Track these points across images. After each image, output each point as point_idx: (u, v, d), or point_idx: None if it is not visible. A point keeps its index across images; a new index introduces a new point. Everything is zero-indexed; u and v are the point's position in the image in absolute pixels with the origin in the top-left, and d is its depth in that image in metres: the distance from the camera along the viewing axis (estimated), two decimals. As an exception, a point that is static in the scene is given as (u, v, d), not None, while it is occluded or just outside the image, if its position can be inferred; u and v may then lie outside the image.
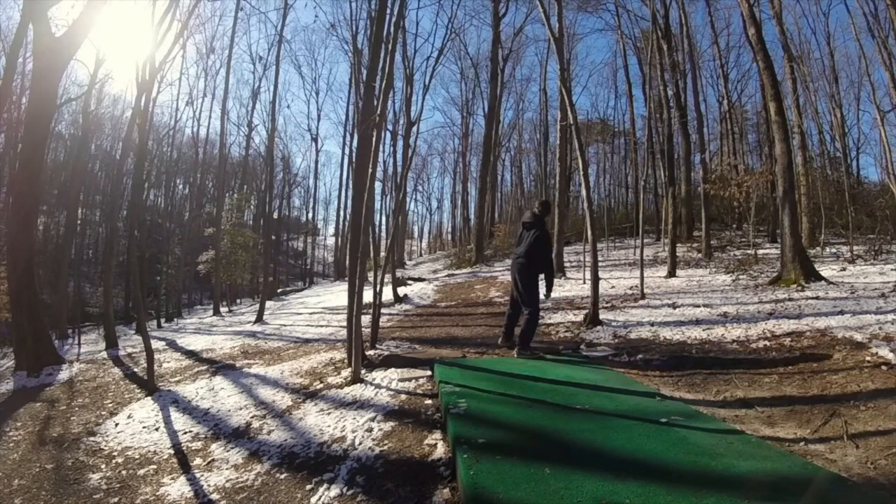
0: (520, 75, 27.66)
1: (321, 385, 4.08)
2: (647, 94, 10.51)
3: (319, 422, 3.19)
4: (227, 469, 2.78)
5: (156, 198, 31.27)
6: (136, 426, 3.87)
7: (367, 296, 5.46)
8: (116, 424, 4.00)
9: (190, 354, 6.86)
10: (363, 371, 4.06)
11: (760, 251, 11.23)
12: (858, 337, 3.87)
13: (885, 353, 3.40)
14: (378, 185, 22.66)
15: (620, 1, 18.30)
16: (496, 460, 1.99)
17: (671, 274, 9.33)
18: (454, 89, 45.85)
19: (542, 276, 4.43)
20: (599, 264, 6.33)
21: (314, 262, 35.36)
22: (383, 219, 24.82)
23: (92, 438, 3.74)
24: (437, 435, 2.63)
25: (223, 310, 15.54)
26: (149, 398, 4.64)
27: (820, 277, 6.85)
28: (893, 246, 10.16)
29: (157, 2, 6.54)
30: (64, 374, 6.47)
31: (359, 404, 3.36)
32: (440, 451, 2.42)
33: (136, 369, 6.31)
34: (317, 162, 42.74)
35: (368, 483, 2.24)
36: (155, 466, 3.02)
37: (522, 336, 4.31)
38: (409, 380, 3.76)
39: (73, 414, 4.56)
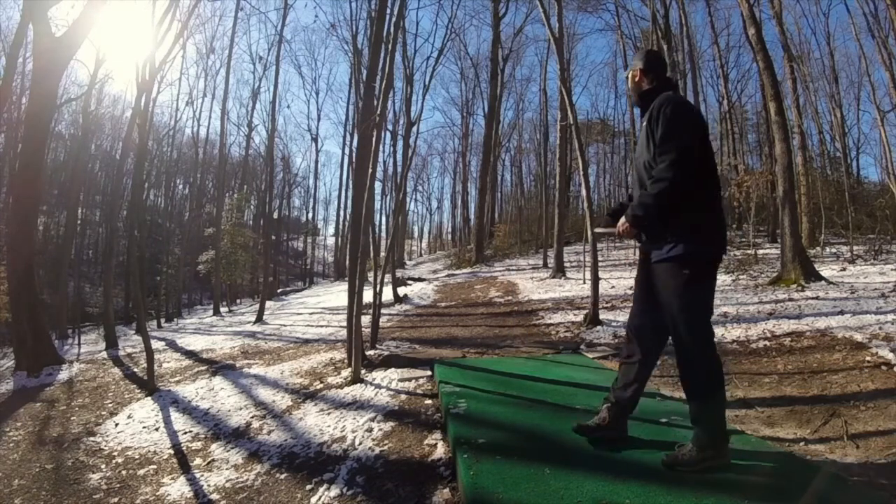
0: (520, 75, 27.65)
1: (321, 385, 4.08)
2: (647, 94, 10.52)
3: (319, 422, 3.19)
4: (227, 469, 2.78)
5: (156, 198, 31.28)
6: (136, 426, 3.87)
7: (367, 296, 5.45)
8: (116, 424, 4.00)
9: (190, 354, 6.86)
10: (363, 371, 4.06)
11: (760, 251, 11.22)
12: (858, 337, 3.87)
13: (885, 353, 3.40)
14: (378, 185, 22.69)
15: (620, 1, 18.31)
16: (496, 460, 1.99)
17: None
18: (454, 89, 45.80)
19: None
20: (599, 264, 6.34)
21: (314, 262, 35.33)
22: (383, 219, 24.86)
23: (92, 438, 3.74)
24: (437, 435, 2.63)
25: (223, 310, 15.54)
26: (149, 398, 4.64)
27: (820, 277, 6.85)
28: (893, 246, 10.15)
29: (157, 2, 6.54)
30: (64, 374, 6.47)
31: (359, 404, 3.36)
32: (440, 451, 2.42)
33: (135, 369, 6.31)
34: (317, 162, 42.69)
35: (368, 483, 2.24)
36: (155, 466, 3.02)
37: (703, 414, 1.83)
38: (409, 380, 3.76)
39: (73, 414, 4.56)
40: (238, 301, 20.80)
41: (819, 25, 21.78)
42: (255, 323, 9.90)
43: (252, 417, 3.58)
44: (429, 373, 3.86)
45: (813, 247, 10.89)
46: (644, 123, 1.91)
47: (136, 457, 3.23)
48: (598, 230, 2.32)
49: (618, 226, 1.93)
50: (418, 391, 3.50)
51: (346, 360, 4.67)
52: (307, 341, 6.63)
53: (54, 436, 3.96)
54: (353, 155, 16.14)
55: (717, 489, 1.71)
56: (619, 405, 2.05)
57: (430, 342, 5.53)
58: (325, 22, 38.26)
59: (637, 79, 2.03)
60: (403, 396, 3.39)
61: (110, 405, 4.68)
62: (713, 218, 1.82)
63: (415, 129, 9.56)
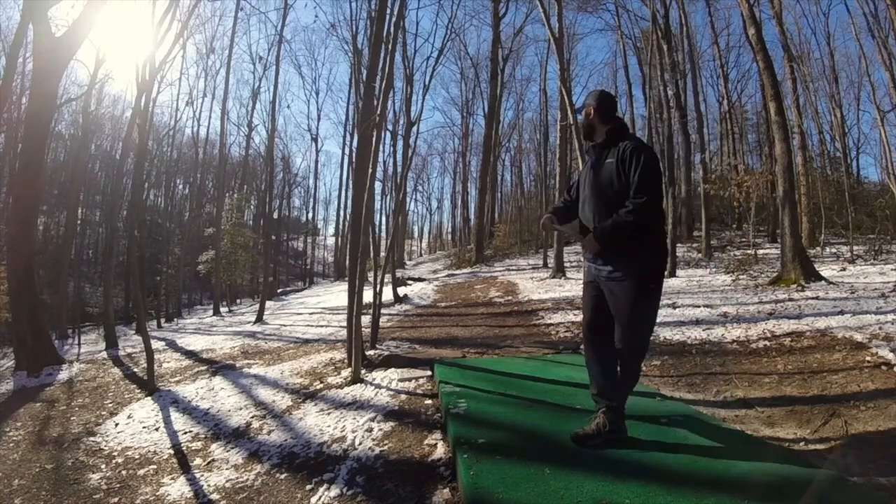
0: (520, 75, 27.64)
1: (321, 385, 4.08)
2: (647, 94, 10.53)
3: (319, 422, 3.19)
4: (227, 469, 2.78)
5: (156, 198, 31.29)
6: (136, 426, 3.87)
7: (367, 296, 5.45)
8: (116, 424, 4.00)
9: (190, 354, 6.86)
10: (363, 371, 4.06)
11: (760, 251, 11.23)
12: (858, 337, 3.87)
13: (885, 353, 3.40)
14: (378, 185, 22.70)
15: (620, 1, 18.28)
16: (496, 460, 1.99)
17: (671, 274, 9.33)
18: (454, 89, 45.87)
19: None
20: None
21: (314, 262, 35.33)
22: (383, 219, 24.87)
23: (92, 438, 3.74)
24: (437, 435, 2.63)
25: (223, 310, 15.54)
26: (149, 398, 4.64)
27: (820, 277, 6.85)
28: (893, 246, 10.16)
29: (157, 2, 6.54)
30: (64, 374, 6.47)
31: (359, 404, 3.36)
32: (440, 451, 2.42)
33: (135, 369, 6.31)
34: (317, 162, 42.66)
35: (368, 483, 2.24)
36: (155, 466, 3.02)
37: (620, 391, 2.23)
38: (409, 380, 3.76)
39: (73, 414, 4.56)
40: (238, 301, 20.80)
41: (819, 25, 21.80)
42: (255, 323, 9.90)
43: (252, 417, 3.58)
44: (429, 373, 3.86)
45: (813, 247, 10.90)
46: (611, 160, 2.15)
47: (136, 457, 3.23)
48: (556, 227, 2.43)
49: (586, 237, 2.21)
50: (418, 391, 3.50)
51: (346, 360, 4.66)
52: (307, 341, 6.63)
53: (54, 436, 3.96)
54: (353, 155, 16.14)
55: (717, 489, 1.71)
56: (612, 410, 2.17)
57: (430, 342, 5.53)
58: (325, 22, 38.26)
59: (591, 116, 2.28)
60: (403, 396, 3.39)
61: (110, 405, 4.68)
62: (664, 241, 2.25)
63: (415, 129, 9.53)
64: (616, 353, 2.19)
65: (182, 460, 3.05)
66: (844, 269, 8.05)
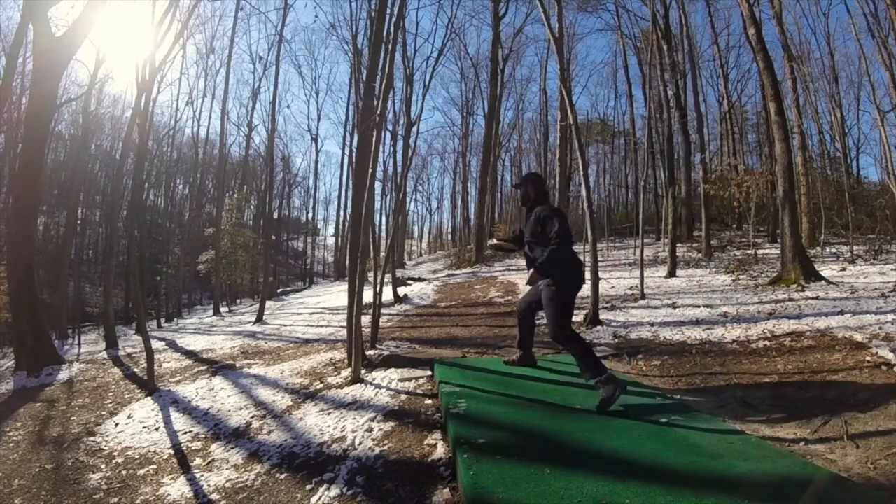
0: (520, 75, 27.69)
1: (321, 385, 4.08)
2: (647, 94, 10.53)
3: (319, 422, 3.19)
4: (227, 469, 2.78)
5: (156, 198, 31.29)
6: (136, 426, 3.87)
7: (367, 296, 5.45)
8: (116, 424, 4.00)
9: (190, 354, 6.86)
10: (363, 371, 4.06)
11: (760, 251, 11.23)
12: (858, 337, 3.87)
13: (885, 353, 3.40)
14: (378, 185, 22.70)
15: (620, 1, 18.28)
16: (496, 460, 2.00)
17: (671, 274, 9.33)
18: (454, 89, 45.92)
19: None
20: (599, 264, 6.34)
21: (314, 262, 35.33)
22: (383, 219, 24.86)
23: (92, 438, 3.74)
24: (437, 435, 2.63)
25: (223, 310, 15.53)
26: (149, 398, 4.64)
27: (820, 277, 6.85)
28: (893, 246, 10.16)
29: (157, 2, 6.54)
30: (64, 374, 6.47)
31: (359, 404, 3.36)
32: (440, 451, 2.42)
33: (135, 369, 6.31)
34: (317, 162, 42.69)
35: (368, 483, 2.24)
36: (155, 466, 3.02)
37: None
38: (409, 380, 3.76)
39: (73, 414, 4.56)
40: (238, 301, 20.80)
41: (819, 25, 21.81)
42: (255, 323, 9.90)
43: (252, 417, 3.58)
44: (429, 373, 3.86)
45: (813, 247, 10.90)
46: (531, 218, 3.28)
47: (136, 457, 3.23)
48: (507, 245, 3.65)
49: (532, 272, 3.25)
50: (418, 391, 3.50)
51: (346, 360, 4.66)
52: (307, 341, 6.63)
53: (54, 436, 3.96)
54: (353, 155, 16.14)
55: (717, 489, 1.71)
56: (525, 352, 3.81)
57: (430, 342, 5.53)
58: (325, 22, 38.27)
59: (535, 191, 3.39)
60: (403, 396, 3.40)
61: (110, 405, 4.68)
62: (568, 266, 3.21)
63: (415, 129, 9.56)
64: (534, 322, 3.90)
65: (182, 460, 3.05)
66: (844, 269, 8.05)
